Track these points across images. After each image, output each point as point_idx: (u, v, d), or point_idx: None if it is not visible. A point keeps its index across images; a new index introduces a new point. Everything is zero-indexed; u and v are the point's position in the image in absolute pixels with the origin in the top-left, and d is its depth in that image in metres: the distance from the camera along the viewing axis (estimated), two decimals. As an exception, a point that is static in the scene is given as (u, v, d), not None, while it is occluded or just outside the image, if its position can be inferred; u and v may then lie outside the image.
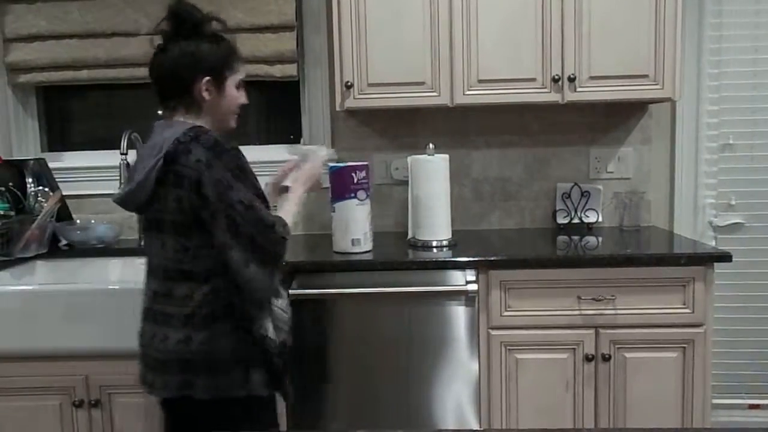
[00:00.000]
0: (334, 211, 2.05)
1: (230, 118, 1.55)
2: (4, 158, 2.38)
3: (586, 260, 1.93)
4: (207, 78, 1.45)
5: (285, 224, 1.46)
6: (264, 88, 2.53)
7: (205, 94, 1.46)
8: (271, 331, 1.47)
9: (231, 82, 1.50)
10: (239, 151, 1.42)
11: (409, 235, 2.23)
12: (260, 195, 1.42)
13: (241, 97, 1.55)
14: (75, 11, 2.42)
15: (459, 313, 1.94)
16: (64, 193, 2.40)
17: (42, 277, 2.25)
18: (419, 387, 1.96)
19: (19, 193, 2.29)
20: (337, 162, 2.09)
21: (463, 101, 2.15)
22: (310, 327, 1.96)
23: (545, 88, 2.14)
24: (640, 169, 2.48)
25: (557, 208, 2.47)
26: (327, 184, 2.02)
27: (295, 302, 1.83)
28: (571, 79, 2.11)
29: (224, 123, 1.54)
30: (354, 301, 1.94)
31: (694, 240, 2.28)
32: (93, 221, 2.47)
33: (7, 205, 2.21)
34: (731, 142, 2.47)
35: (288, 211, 1.56)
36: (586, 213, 2.45)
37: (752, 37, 2.43)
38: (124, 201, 1.47)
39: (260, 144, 2.61)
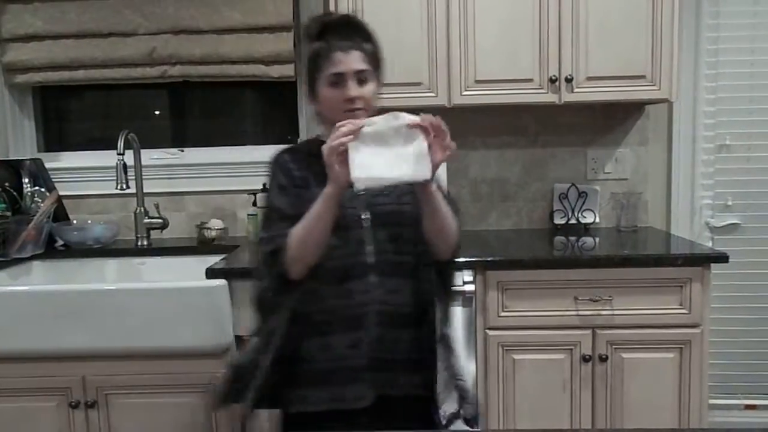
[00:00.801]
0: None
1: (340, 119, 1.31)
2: (0, 158, 2.37)
3: (584, 261, 1.93)
4: (306, 88, 1.42)
5: (272, 238, 1.31)
6: (261, 88, 2.50)
7: (308, 103, 1.44)
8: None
9: (321, 84, 1.34)
10: (275, 164, 1.40)
11: (407, 236, 2.22)
12: (276, 208, 1.35)
13: (339, 93, 1.32)
14: (72, 11, 2.41)
15: (456, 314, 1.93)
16: (60, 194, 2.40)
17: (38, 278, 2.25)
18: (416, 388, 1.95)
19: (15, 193, 2.28)
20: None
21: (460, 102, 2.15)
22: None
23: (542, 88, 2.14)
24: (637, 169, 2.48)
25: (554, 209, 2.47)
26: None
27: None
28: (569, 80, 2.11)
29: None
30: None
31: (691, 241, 2.29)
32: (90, 222, 2.46)
33: (3, 205, 2.20)
34: (728, 142, 2.48)
35: (307, 216, 1.29)
36: (584, 214, 2.45)
37: (749, 38, 2.43)
38: None
39: (257, 144, 2.60)
